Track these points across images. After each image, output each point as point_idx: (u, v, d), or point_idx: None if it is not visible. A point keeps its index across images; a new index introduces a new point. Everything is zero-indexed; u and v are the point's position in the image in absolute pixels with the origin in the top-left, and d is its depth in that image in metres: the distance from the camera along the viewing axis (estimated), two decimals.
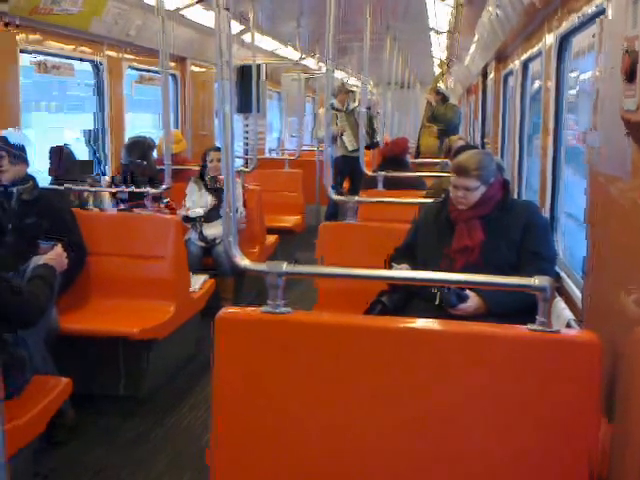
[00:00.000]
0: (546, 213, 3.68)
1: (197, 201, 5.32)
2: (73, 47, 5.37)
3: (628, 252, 1.93)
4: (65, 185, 4.31)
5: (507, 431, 1.94)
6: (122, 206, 4.87)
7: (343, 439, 2.05)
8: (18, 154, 3.60)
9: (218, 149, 5.41)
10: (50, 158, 4.75)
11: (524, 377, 1.92)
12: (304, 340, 2.09)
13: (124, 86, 6.19)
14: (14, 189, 3.59)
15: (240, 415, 2.11)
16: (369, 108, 9.40)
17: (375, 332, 2.10)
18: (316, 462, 2.07)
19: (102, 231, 4.04)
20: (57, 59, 5.31)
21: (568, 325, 2.62)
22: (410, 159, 7.04)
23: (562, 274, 3.17)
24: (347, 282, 3.25)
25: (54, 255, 3.02)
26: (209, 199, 5.29)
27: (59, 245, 3.10)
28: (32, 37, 4.82)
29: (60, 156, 4.69)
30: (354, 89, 12.28)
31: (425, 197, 4.24)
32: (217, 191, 5.24)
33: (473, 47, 7.99)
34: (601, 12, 2.59)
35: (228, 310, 2.18)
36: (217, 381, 2.12)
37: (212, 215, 5.25)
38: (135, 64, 6.42)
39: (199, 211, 5.22)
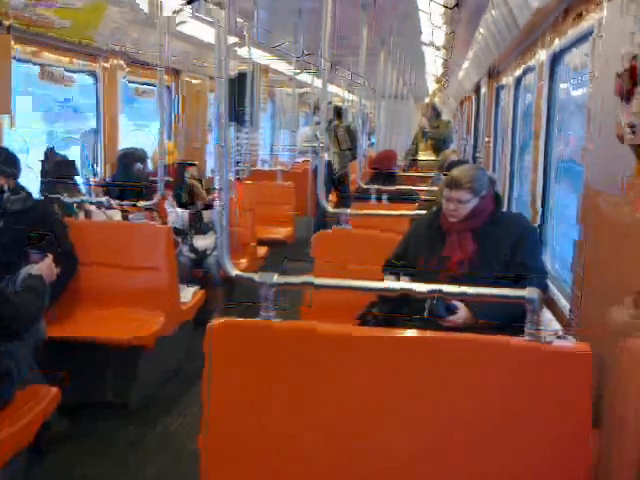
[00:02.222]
0: (536, 225, 3.71)
1: (183, 216, 5.34)
2: (68, 59, 5.38)
3: (617, 264, 1.95)
4: (53, 195, 4.29)
5: (499, 440, 1.95)
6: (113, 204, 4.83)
7: (336, 448, 2.05)
8: (4, 168, 3.60)
9: (193, 164, 5.50)
10: (43, 161, 4.73)
11: (516, 387, 1.94)
12: (295, 349, 2.10)
13: (118, 96, 6.21)
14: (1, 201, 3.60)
15: (231, 422, 2.11)
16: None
17: (368, 342, 2.11)
18: (309, 470, 2.07)
19: (93, 240, 4.03)
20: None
21: (558, 337, 2.64)
22: (400, 172, 7.08)
23: (550, 285, 3.19)
24: (339, 292, 3.26)
25: (44, 266, 3.02)
26: (185, 216, 5.32)
27: (49, 256, 3.10)
28: (29, 49, 4.81)
29: (51, 158, 4.68)
30: (345, 103, 12.38)
31: (417, 209, 4.27)
32: (193, 205, 5.31)
33: (466, 63, 8.08)
34: (591, 32, 2.63)
35: (219, 320, 2.19)
36: (207, 390, 2.12)
37: (202, 227, 5.27)
38: (130, 77, 6.44)
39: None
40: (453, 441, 1.97)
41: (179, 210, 5.33)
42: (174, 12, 5.60)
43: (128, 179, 5.29)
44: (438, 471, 1.99)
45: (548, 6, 3.43)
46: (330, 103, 8.99)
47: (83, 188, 5.15)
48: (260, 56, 7.95)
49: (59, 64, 5.27)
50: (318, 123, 8.33)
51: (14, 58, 4.49)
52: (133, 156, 5.52)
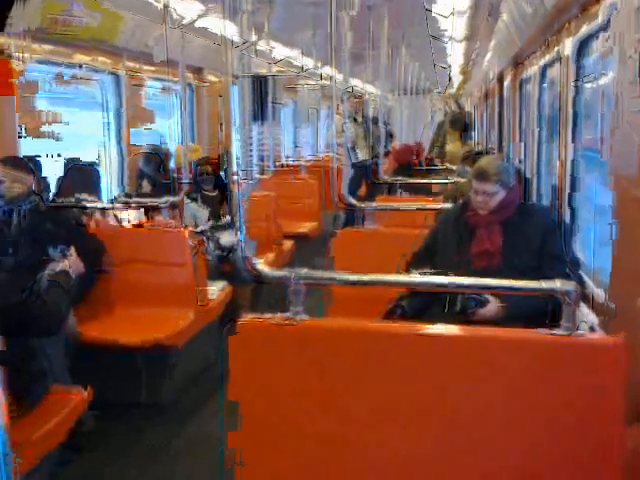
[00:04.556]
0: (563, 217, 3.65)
1: (200, 216, 5.35)
2: (91, 59, 5.41)
3: None
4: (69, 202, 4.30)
5: (531, 437, 1.92)
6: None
7: (363, 445, 2.03)
8: (18, 177, 3.64)
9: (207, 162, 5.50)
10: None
11: (548, 382, 1.90)
12: (321, 347, 2.08)
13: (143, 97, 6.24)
14: (16, 207, 3.64)
15: (256, 420, 2.10)
16: (387, 124, 9.42)
17: (394, 338, 2.08)
18: (337, 467, 2.06)
19: (120, 243, 4.07)
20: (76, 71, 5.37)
21: (592, 329, 2.59)
22: (425, 164, 7.04)
23: (585, 278, 3.13)
24: (363, 289, 3.23)
25: (70, 261, 3.04)
26: (205, 213, 5.33)
27: (72, 250, 3.13)
28: (48, 48, 4.84)
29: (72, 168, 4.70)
30: (367, 96, 12.31)
31: (443, 201, 4.22)
32: (213, 199, 5.30)
33: (489, 54, 7.97)
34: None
35: (245, 318, 2.18)
36: (232, 389, 2.11)
37: (225, 224, 5.28)
38: (154, 75, 6.46)
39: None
40: (484, 437, 1.94)
41: (192, 206, 5.33)
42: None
43: (164, 177, 5.29)
44: (466, 465, 1.96)
45: None
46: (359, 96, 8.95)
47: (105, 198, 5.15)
48: (278, 49, 7.93)
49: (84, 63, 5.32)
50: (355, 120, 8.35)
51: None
52: (164, 153, 5.53)
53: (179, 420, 3.71)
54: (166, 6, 4.12)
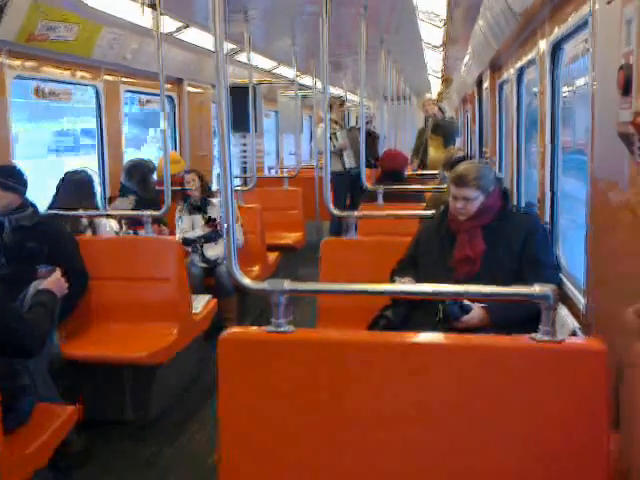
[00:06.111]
0: (545, 221, 3.68)
1: (189, 226, 5.34)
2: (70, 72, 5.39)
3: (630, 261, 1.92)
4: (65, 212, 4.27)
5: (514, 443, 1.92)
6: (124, 228, 4.85)
7: (351, 457, 2.03)
8: (9, 185, 3.61)
9: (191, 171, 5.49)
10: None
11: (530, 388, 1.91)
12: (309, 358, 2.08)
13: (122, 109, 6.22)
14: (6, 219, 3.61)
15: (246, 433, 2.10)
16: (369, 122, 9.47)
17: (380, 347, 2.08)
18: (328, 477, 2.05)
19: (103, 255, 4.03)
20: (54, 85, 5.35)
21: (573, 333, 2.61)
22: (408, 171, 7.06)
23: (565, 281, 3.16)
24: (348, 298, 3.24)
25: (53, 280, 3.01)
26: (198, 219, 5.31)
27: (58, 270, 3.09)
28: (29, 64, 4.83)
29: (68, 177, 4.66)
30: (349, 105, 12.35)
31: (424, 208, 4.24)
32: (202, 209, 5.31)
33: (467, 57, 8.04)
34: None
35: (231, 330, 2.18)
36: (222, 401, 2.11)
37: (211, 235, 5.27)
38: (132, 87, 6.46)
39: (197, 232, 5.27)
40: (468, 443, 1.95)
41: (193, 215, 5.33)
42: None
43: (147, 190, 5.28)
44: (452, 472, 1.97)
45: None
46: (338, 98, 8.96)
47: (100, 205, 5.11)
48: (257, 59, 7.95)
49: (61, 78, 5.30)
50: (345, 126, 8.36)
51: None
52: (147, 167, 5.51)
53: (165, 436, 3.68)
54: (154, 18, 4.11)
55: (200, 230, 5.30)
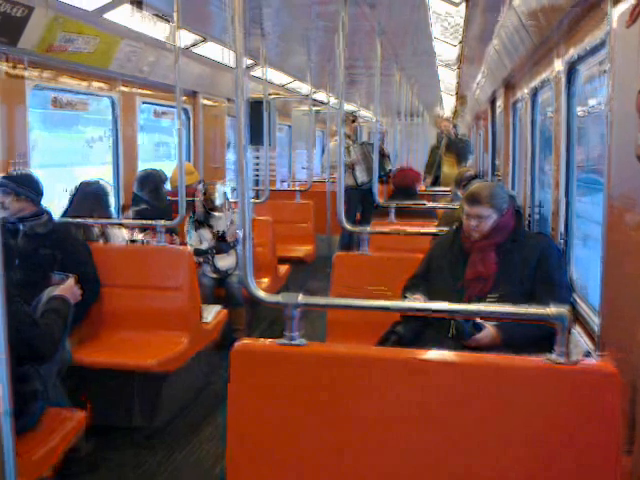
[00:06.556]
0: (558, 242, 3.67)
1: (197, 242, 5.35)
2: (87, 84, 5.45)
3: None
4: (78, 220, 4.29)
5: (524, 463, 1.91)
6: (140, 236, 4.85)
7: (360, 471, 2.02)
8: (23, 192, 3.65)
9: (203, 183, 5.50)
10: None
11: (542, 410, 1.89)
12: (320, 372, 2.08)
13: (137, 120, 6.28)
14: (21, 225, 3.64)
15: (255, 445, 2.10)
16: (382, 138, 9.50)
17: (390, 364, 2.08)
18: None
19: (115, 263, 4.06)
20: (71, 95, 5.41)
21: (586, 355, 2.59)
22: (420, 189, 7.08)
23: (578, 302, 3.15)
24: (358, 313, 3.23)
25: (67, 287, 3.04)
26: (205, 233, 5.33)
27: (71, 277, 3.13)
28: (47, 74, 4.88)
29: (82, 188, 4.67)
30: (361, 121, 12.41)
31: (437, 226, 4.24)
32: (206, 223, 5.31)
33: (480, 76, 8.07)
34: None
35: (244, 342, 2.18)
36: (232, 411, 2.11)
37: (223, 247, 5.28)
38: (148, 99, 6.53)
39: (205, 244, 5.28)
40: (478, 464, 1.93)
41: (200, 229, 5.35)
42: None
43: (159, 200, 5.30)
44: None
45: (557, 13, 3.40)
46: (351, 114, 9.00)
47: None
48: (273, 74, 8.02)
49: (77, 89, 5.36)
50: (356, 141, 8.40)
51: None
52: (160, 177, 5.54)
53: (173, 444, 3.69)
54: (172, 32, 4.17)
55: (209, 243, 5.31)
